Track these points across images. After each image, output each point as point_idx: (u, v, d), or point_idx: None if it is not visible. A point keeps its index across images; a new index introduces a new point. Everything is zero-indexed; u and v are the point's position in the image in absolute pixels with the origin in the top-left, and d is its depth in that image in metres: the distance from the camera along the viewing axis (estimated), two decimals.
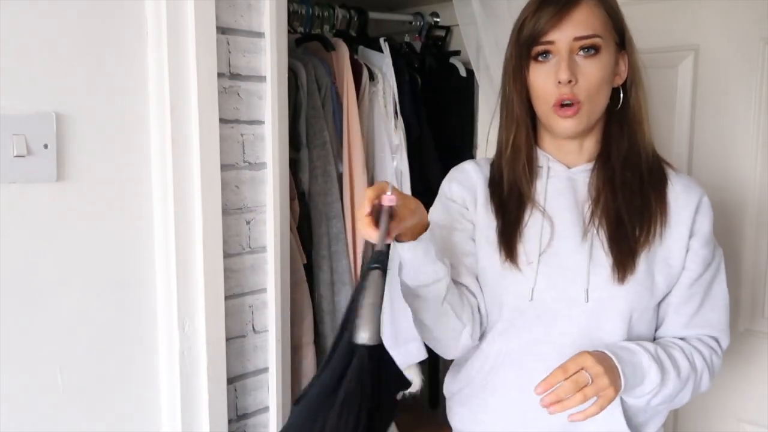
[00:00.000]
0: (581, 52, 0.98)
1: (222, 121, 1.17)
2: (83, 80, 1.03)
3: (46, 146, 0.99)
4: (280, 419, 1.32)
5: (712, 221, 1.06)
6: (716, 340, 1.07)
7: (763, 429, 1.50)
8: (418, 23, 2.11)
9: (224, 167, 1.18)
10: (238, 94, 1.21)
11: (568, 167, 1.08)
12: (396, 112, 1.79)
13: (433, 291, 0.95)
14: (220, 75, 1.16)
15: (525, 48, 1.01)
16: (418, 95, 1.93)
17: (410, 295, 0.97)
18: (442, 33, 2.16)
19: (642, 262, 1.01)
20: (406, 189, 1.79)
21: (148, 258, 1.12)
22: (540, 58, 1.00)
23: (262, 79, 1.24)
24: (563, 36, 0.98)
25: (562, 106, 0.99)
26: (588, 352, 0.92)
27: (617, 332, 1.01)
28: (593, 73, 0.98)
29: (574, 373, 0.89)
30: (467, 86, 2.04)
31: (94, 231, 1.06)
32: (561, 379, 0.88)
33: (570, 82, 0.97)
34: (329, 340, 1.64)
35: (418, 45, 2.09)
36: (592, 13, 0.99)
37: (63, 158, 1.02)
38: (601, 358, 0.92)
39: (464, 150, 2.03)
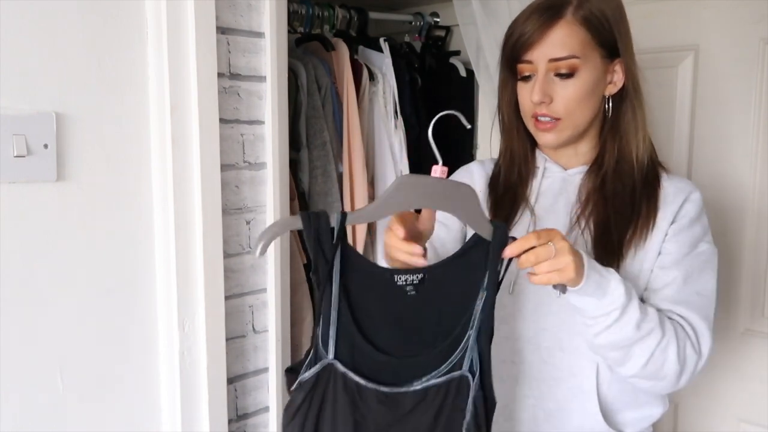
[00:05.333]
0: (557, 74, 0.99)
1: (222, 121, 1.17)
2: (83, 80, 1.03)
3: (46, 146, 0.99)
4: (280, 419, 1.32)
5: (699, 215, 1.04)
6: (694, 331, 0.98)
7: (763, 429, 1.50)
8: (418, 23, 2.11)
9: (224, 167, 1.18)
10: (238, 94, 1.21)
11: (565, 168, 1.09)
12: (396, 112, 1.80)
13: None
14: (220, 75, 1.16)
15: (509, 63, 1.03)
16: (418, 95, 1.93)
17: None
18: (442, 33, 2.16)
19: (624, 261, 1.01)
20: None
21: (148, 258, 1.12)
22: (525, 77, 1.02)
23: (262, 79, 1.24)
24: (540, 56, 0.99)
25: (540, 119, 1.01)
26: (562, 235, 0.88)
27: None
28: (569, 94, 0.99)
29: (543, 243, 0.85)
30: (467, 86, 2.04)
31: (94, 231, 1.06)
32: (533, 243, 0.85)
33: (544, 102, 0.99)
34: None
35: (418, 45, 2.09)
36: (570, 32, 0.98)
37: (63, 158, 1.02)
38: (574, 250, 0.88)
39: (464, 150, 2.03)
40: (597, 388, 1.03)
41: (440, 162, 0.86)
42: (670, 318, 0.98)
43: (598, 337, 0.94)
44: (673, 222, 1.02)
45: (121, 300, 1.10)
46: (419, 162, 1.86)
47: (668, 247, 1.02)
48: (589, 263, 0.89)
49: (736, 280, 1.51)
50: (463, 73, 2.04)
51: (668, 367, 0.95)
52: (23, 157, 0.97)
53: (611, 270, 0.93)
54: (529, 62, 1.00)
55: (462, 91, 2.04)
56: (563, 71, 0.98)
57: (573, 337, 1.03)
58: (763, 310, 1.49)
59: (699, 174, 1.55)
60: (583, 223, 1.04)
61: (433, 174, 0.86)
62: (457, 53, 2.08)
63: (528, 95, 1.01)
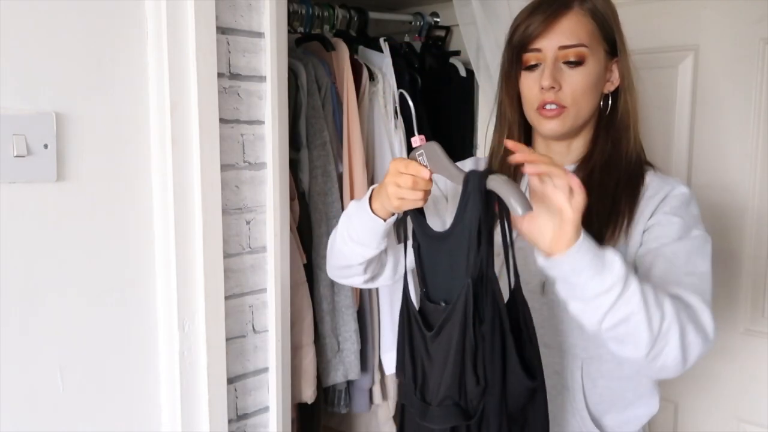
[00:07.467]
0: (566, 62, 1.01)
1: (222, 121, 1.17)
2: (83, 80, 1.03)
3: (46, 146, 0.99)
4: (280, 419, 1.32)
5: (685, 206, 1.01)
6: (691, 308, 0.90)
7: (763, 429, 1.50)
8: (418, 23, 2.11)
9: (224, 167, 1.18)
10: (238, 94, 1.21)
11: None
12: (396, 112, 1.79)
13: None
14: (220, 75, 1.16)
15: (516, 53, 1.05)
16: (418, 95, 1.93)
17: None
18: (442, 33, 2.16)
19: None
20: None
21: (148, 258, 1.12)
22: (530, 66, 1.04)
23: (262, 79, 1.24)
24: (549, 44, 1.02)
25: (546, 107, 1.03)
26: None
27: (577, 325, 0.99)
28: (577, 82, 1.01)
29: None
30: (467, 86, 2.04)
31: (94, 231, 1.06)
32: (544, 160, 0.85)
33: (553, 88, 1.01)
34: (329, 340, 1.64)
35: (418, 45, 2.09)
36: (580, 22, 1.02)
37: (63, 158, 1.02)
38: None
39: (464, 150, 2.03)
40: (582, 386, 1.03)
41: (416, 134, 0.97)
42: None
43: (606, 322, 0.86)
44: (653, 215, 1.00)
45: (121, 300, 1.10)
46: None
47: (653, 232, 0.99)
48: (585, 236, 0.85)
49: (736, 280, 1.51)
50: (463, 73, 2.04)
51: (673, 344, 0.86)
52: (23, 157, 0.97)
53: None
54: (538, 50, 1.02)
55: (462, 91, 2.04)
56: (572, 59, 1.01)
57: (555, 335, 1.04)
58: (763, 310, 1.49)
59: (699, 174, 1.55)
60: None
61: (413, 143, 0.96)
62: (457, 53, 2.08)
63: (534, 84, 1.03)
